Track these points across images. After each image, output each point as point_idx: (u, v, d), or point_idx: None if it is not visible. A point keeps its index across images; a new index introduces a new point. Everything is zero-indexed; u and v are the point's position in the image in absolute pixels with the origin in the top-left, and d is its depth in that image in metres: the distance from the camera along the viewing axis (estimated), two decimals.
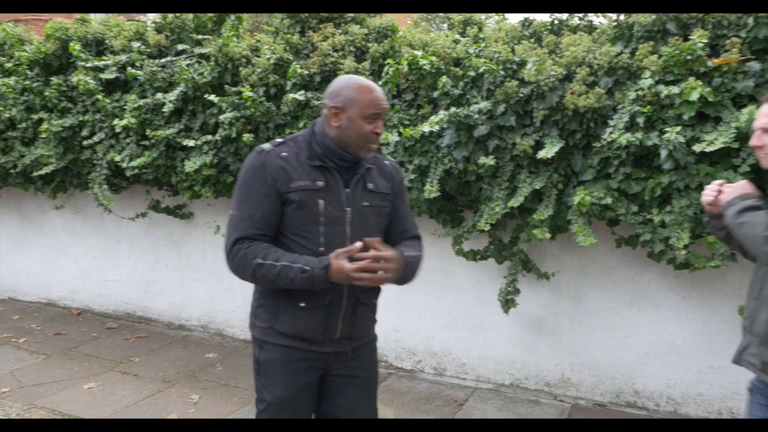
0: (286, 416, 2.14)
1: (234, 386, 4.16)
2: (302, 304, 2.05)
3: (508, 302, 3.76)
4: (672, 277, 3.67)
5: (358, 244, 1.94)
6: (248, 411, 3.80)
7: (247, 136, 4.13)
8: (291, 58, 4.19)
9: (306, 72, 4.07)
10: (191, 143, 4.32)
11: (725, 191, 2.13)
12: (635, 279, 3.76)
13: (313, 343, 2.10)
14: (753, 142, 2.11)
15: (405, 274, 2.07)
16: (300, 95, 4.00)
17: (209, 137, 4.32)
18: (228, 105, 4.17)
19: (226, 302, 5.04)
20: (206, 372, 4.39)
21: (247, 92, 4.03)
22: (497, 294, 3.87)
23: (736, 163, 2.99)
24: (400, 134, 3.74)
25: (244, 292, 4.86)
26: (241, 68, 4.28)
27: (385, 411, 3.81)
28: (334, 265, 1.93)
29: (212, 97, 4.18)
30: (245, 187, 2.06)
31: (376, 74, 3.96)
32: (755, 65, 3.05)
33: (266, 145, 2.09)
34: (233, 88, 4.23)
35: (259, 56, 4.24)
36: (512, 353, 4.14)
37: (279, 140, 2.12)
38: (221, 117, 4.18)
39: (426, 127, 3.39)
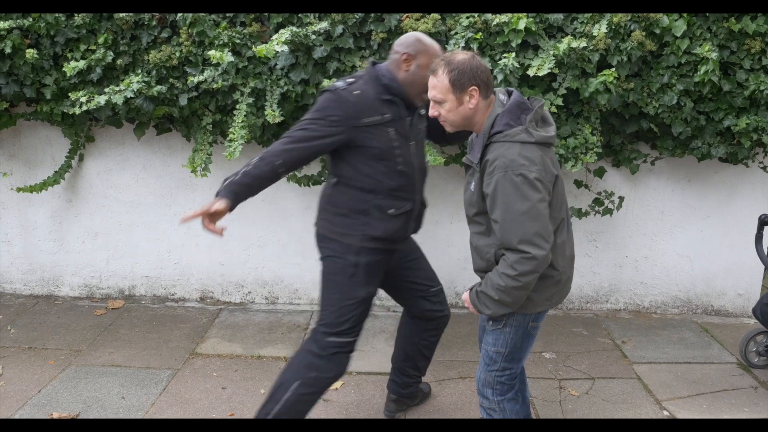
0: (369, 308, 2.53)
1: (42, 348, 3.60)
2: (391, 211, 2.44)
3: None
4: None
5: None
6: (74, 372, 3.35)
7: (30, 52, 3.40)
8: None
9: None
10: None
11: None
12: (455, 193, 4.14)
13: (395, 243, 2.51)
14: (431, 112, 2.21)
15: None
16: None
17: None
18: None
19: (1, 254, 4.22)
20: None
21: None
22: None
23: (555, 87, 3.44)
24: (236, 53, 3.46)
25: (23, 241, 4.12)
26: None
27: (232, 347, 3.69)
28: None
29: None
30: (315, 122, 2.33)
31: None
32: None
33: (339, 83, 2.38)
34: None
35: None
36: None
37: (350, 79, 2.41)
38: None
39: (277, 47, 3.17)
